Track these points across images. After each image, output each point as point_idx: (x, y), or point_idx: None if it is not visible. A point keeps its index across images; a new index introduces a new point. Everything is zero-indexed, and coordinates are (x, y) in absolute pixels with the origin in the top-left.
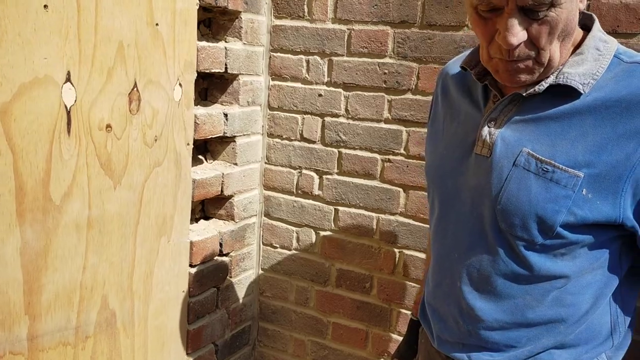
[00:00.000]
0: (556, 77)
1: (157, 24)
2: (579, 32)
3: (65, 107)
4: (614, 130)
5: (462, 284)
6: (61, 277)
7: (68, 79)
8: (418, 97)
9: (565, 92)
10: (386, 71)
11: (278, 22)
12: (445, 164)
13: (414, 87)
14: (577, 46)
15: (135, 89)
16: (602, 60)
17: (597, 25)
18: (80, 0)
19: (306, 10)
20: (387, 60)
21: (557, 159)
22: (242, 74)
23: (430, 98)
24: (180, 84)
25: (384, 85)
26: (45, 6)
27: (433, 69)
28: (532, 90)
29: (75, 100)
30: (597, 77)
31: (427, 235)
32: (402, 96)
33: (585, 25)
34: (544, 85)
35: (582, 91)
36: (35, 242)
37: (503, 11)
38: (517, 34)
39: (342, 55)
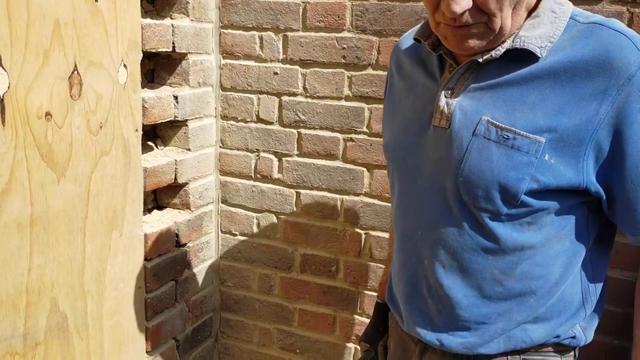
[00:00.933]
0: (513, 42)
1: (96, 0)
2: None
3: None
4: (574, 93)
5: (428, 262)
6: (4, 281)
7: None
8: (379, 72)
9: (522, 57)
10: (345, 46)
11: None
12: (404, 139)
13: (374, 62)
14: (532, 10)
15: (75, 72)
16: (559, 22)
17: None
18: None
19: None
20: (345, 34)
21: (517, 126)
22: (191, 52)
23: None
24: (125, 65)
25: (343, 61)
26: None
27: (394, 42)
28: (488, 55)
29: (9, 87)
30: (554, 40)
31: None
32: (363, 72)
33: None
34: (501, 50)
35: (539, 54)
36: None
37: None
38: (461, 1)
39: (298, 30)
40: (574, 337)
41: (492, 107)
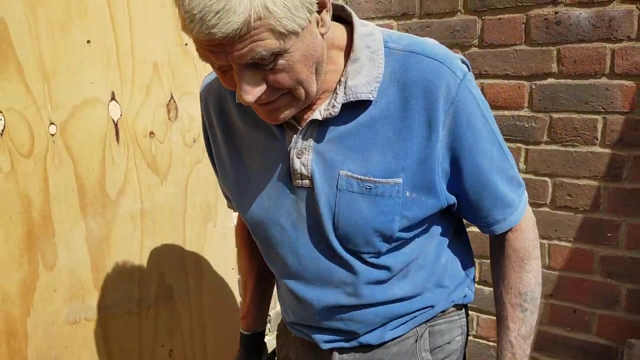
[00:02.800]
0: (345, 94)
1: (186, 44)
2: (341, 32)
3: (113, 120)
4: (411, 128)
5: (329, 302)
6: (122, 258)
7: (113, 98)
8: None
9: (358, 103)
10: None
11: None
12: (270, 202)
13: None
14: (348, 48)
15: (172, 100)
16: (377, 58)
17: (355, 19)
18: (117, 34)
19: None
20: None
21: (374, 173)
22: None
23: None
24: None
25: None
26: (88, 41)
27: None
28: (327, 114)
29: (121, 114)
30: (379, 79)
31: (239, 241)
32: None
33: (340, 17)
34: (337, 107)
35: (372, 98)
36: (98, 231)
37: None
38: (252, 91)
39: None
40: (465, 296)
41: (347, 160)
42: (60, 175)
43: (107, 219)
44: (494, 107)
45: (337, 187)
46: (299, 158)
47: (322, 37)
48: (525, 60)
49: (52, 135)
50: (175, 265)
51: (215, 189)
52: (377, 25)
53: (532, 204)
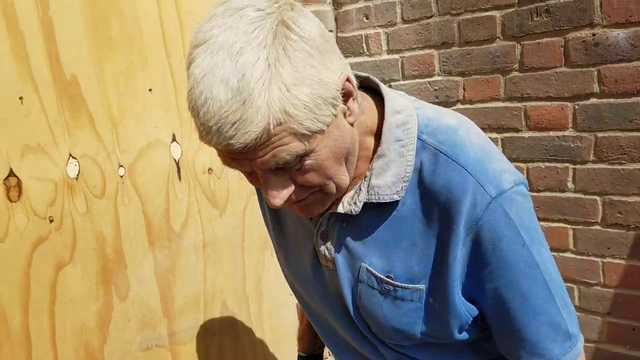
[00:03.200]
0: (367, 193)
1: None
2: (371, 114)
3: (175, 160)
4: (433, 236)
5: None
6: (187, 288)
7: (174, 139)
8: (467, 105)
9: (382, 203)
10: (436, 87)
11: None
12: (299, 275)
13: (462, 97)
14: (377, 135)
15: None
16: (407, 153)
17: (387, 96)
18: (175, 80)
19: (365, 47)
20: (435, 77)
21: (396, 274)
22: None
23: (476, 106)
24: None
25: (437, 100)
26: (150, 89)
27: (475, 79)
28: (349, 209)
29: (181, 154)
30: (407, 178)
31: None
32: (453, 107)
33: (371, 87)
34: (359, 205)
35: (398, 198)
36: (164, 262)
37: None
38: (279, 194)
39: (399, 80)
40: None
41: (369, 253)
42: (130, 213)
43: (172, 251)
44: (538, 128)
45: (358, 278)
46: (323, 241)
47: (352, 124)
48: (567, 82)
49: (121, 177)
50: (237, 293)
51: None
52: (419, 55)
53: (582, 223)
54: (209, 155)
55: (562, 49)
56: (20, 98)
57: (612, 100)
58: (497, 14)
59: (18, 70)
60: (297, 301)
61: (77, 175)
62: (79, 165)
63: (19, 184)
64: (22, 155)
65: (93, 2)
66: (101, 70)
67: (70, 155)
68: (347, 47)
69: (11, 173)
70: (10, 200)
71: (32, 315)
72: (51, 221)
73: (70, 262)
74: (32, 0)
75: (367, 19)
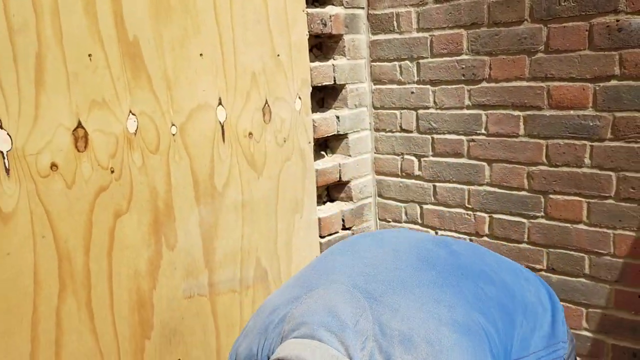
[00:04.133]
0: None
1: (278, 55)
2: None
3: (220, 122)
4: None
5: None
6: (227, 242)
7: (220, 103)
8: (492, 84)
9: None
10: (464, 66)
11: (374, 37)
12: None
13: (487, 76)
14: None
15: (266, 104)
16: None
17: None
18: (223, 48)
19: (395, 25)
20: (463, 57)
21: None
22: (349, 83)
23: (501, 85)
24: (299, 97)
25: (463, 78)
26: (201, 54)
27: (502, 59)
28: None
29: (226, 117)
30: None
31: None
32: (479, 85)
33: None
34: None
35: None
36: (208, 218)
37: None
38: None
39: (427, 58)
40: None
41: None
42: (180, 170)
43: (215, 208)
44: (560, 107)
45: None
46: None
47: None
48: (589, 64)
49: (173, 135)
50: (269, 251)
51: (301, 184)
52: (448, 34)
53: (597, 197)
54: (250, 120)
55: (586, 32)
56: (89, 55)
57: (631, 82)
58: None
59: (88, 28)
60: None
61: (136, 131)
62: (137, 122)
63: (85, 136)
64: (89, 109)
65: None
66: (159, 34)
67: (130, 111)
68: (378, 24)
69: (79, 125)
70: (77, 150)
71: (92, 258)
72: (112, 172)
73: (127, 212)
74: None
75: None
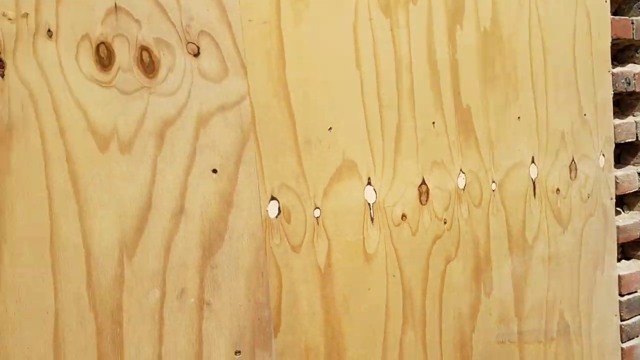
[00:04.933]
0: None
1: (584, 114)
2: None
3: (532, 179)
4: None
5: None
6: (534, 294)
7: (532, 161)
8: None
9: None
10: None
11: None
12: None
13: None
14: None
15: (573, 162)
16: None
17: None
18: (538, 111)
19: None
20: None
21: None
22: None
23: None
24: (603, 154)
25: None
26: (519, 117)
27: None
28: None
29: (537, 174)
30: None
31: None
32: None
33: None
34: None
35: None
36: (519, 269)
37: None
38: None
39: None
40: None
41: None
42: (497, 222)
43: (525, 260)
44: None
45: None
46: None
47: None
48: None
49: (493, 191)
50: (572, 305)
51: (602, 240)
52: None
53: None
54: (558, 176)
55: None
56: (433, 123)
57: None
58: None
59: (433, 100)
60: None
61: (464, 187)
62: (466, 179)
63: (427, 191)
64: (431, 168)
65: (485, 44)
66: (486, 101)
67: (460, 169)
68: None
69: (423, 182)
70: (421, 203)
71: (428, 297)
72: (444, 222)
73: (454, 258)
74: (446, 45)
75: None
